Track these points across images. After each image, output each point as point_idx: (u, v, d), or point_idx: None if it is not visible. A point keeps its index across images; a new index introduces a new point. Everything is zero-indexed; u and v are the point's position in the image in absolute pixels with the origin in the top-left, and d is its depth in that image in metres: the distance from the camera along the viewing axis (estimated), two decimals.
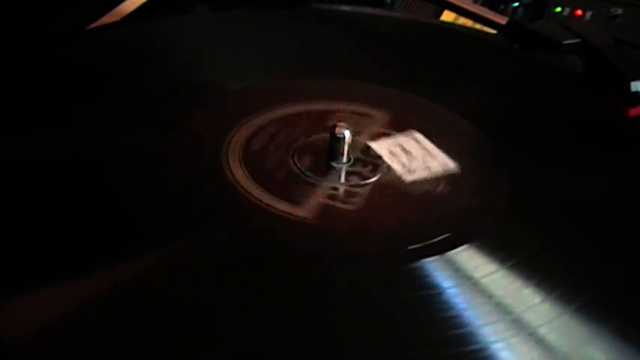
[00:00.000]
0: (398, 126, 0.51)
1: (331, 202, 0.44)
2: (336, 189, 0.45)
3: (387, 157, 0.47)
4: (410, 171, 0.46)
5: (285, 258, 0.40)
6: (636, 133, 0.53)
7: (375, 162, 0.47)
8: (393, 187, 0.46)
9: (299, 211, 0.43)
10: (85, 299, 0.37)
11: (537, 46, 0.58)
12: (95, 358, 0.34)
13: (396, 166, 0.47)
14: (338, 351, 0.35)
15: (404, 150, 0.47)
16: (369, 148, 0.49)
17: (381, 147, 0.48)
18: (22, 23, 0.59)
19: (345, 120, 0.48)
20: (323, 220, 0.43)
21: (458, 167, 0.47)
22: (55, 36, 0.59)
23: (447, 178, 0.46)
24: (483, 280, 0.39)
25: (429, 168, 0.46)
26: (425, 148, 0.46)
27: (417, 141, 0.47)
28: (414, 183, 0.46)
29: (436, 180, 0.46)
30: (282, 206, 0.43)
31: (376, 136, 0.50)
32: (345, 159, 0.47)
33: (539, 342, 0.36)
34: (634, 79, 0.53)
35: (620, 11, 0.71)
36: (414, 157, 0.47)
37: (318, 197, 0.44)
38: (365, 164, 0.47)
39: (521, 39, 0.59)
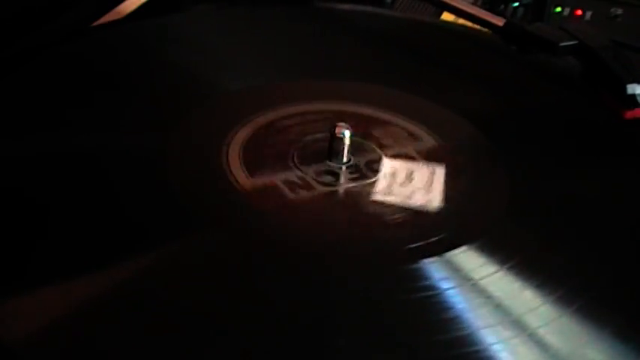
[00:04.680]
0: (430, 155, 0.49)
1: (281, 185, 0.44)
2: (301, 179, 0.45)
3: (382, 174, 0.46)
4: (387, 193, 0.45)
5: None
6: (633, 135, 0.53)
7: (368, 174, 0.47)
8: (353, 197, 0.45)
9: (245, 181, 0.44)
10: (84, 299, 0.37)
11: (534, 47, 0.58)
12: (94, 358, 0.34)
13: (380, 184, 0.45)
14: (336, 352, 0.35)
15: (409, 177, 0.45)
16: (379, 161, 0.48)
17: (389, 165, 0.47)
18: (21, 23, 0.59)
19: (387, 132, 0.49)
20: (253, 193, 0.44)
21: (439, 209, 0.44)
22: (55, 35, 0.59)
23: (418, 213, 0.44)
24: (483, 281, 0.39)
25: (409, 198, 0.45)
26: (430, 183, 0.45)
27: (432, 174, 0.46)
28: (378, 203, 0.45)
29: (403, 210, 0.44)
30: (238, 174, 0.45)
31: (400, 156, 0.49)
32: (344, 159, 0.47)
33: (539, 343, 0.36)
34: (630, 82, 0.53)
35: (620, 11, 0.71)
36: (410, 185, 0.45)
37: (275, 178, 0.45)
38: (356, 171, 0.47)
39: (518, 41, 0.59)
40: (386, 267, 0.40)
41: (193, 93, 0.53)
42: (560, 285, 0.39)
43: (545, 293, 0.39)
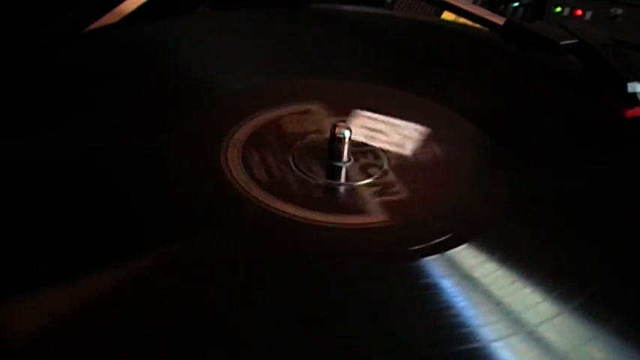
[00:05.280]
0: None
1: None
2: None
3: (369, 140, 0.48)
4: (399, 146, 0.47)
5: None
6: (633, 134, 0.53)
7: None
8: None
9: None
10: (85, 299, 0.37)
11: (535, 46, 0.58)
12: (94, 358, 0.34)
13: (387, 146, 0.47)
14: (337, 351, 0.35)
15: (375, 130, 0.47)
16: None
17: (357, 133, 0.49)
18: (21, 23, 0.59)
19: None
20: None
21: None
22: (55, 36, 0.59)
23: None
24: (483, 279, 0.39)
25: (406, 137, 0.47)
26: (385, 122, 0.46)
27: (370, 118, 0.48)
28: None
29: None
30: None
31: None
32: (344, 159, 0.47)
33: (539, 340, 0.36)
34: (630, 80, 0.53)
35: (620, 11, 0.71)
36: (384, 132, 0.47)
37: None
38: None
39: (518, 39, 0.59)
40: (387, 265, 0.40)
41: (194, 94, 0.53)
42: (560, 282, 0.39)
43: (545, 290, 0.39)
